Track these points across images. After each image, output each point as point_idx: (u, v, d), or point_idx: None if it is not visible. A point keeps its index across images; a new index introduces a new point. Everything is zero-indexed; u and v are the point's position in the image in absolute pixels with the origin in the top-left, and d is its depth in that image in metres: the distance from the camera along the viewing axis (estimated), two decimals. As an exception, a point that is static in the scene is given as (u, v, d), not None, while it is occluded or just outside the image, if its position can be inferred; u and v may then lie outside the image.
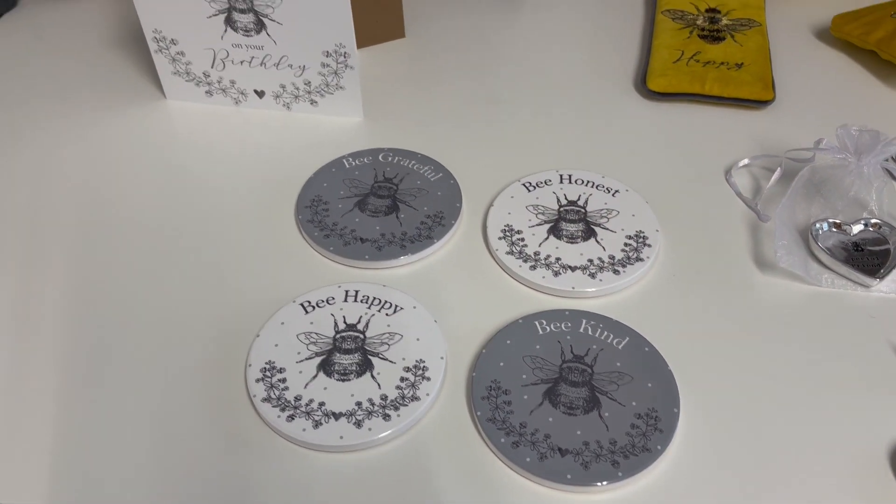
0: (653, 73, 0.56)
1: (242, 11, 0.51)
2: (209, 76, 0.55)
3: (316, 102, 0.55)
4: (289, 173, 0.51)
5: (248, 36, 0.52)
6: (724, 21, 0.61)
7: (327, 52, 0.52)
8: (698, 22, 0.61)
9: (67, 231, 0.47)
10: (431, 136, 0.53)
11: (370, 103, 0.56)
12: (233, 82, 0.55)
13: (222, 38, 0.53)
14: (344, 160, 0.51)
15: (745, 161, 0.50)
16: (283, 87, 0.55)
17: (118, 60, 0.62)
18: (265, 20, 0.51)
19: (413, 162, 0.51)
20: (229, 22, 0.52)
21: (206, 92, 0.56)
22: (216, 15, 0.52)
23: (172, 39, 0.54)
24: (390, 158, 0.51)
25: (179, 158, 0.53)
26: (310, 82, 0.54)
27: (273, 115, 0.56)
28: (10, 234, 0.47)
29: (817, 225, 0.45)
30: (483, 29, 0.64)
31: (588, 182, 0.49)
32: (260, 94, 0.55)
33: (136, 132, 0.55)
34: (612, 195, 0.48)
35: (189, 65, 0.55)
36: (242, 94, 0.56)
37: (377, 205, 0.48)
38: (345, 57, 0.52)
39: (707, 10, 0.62)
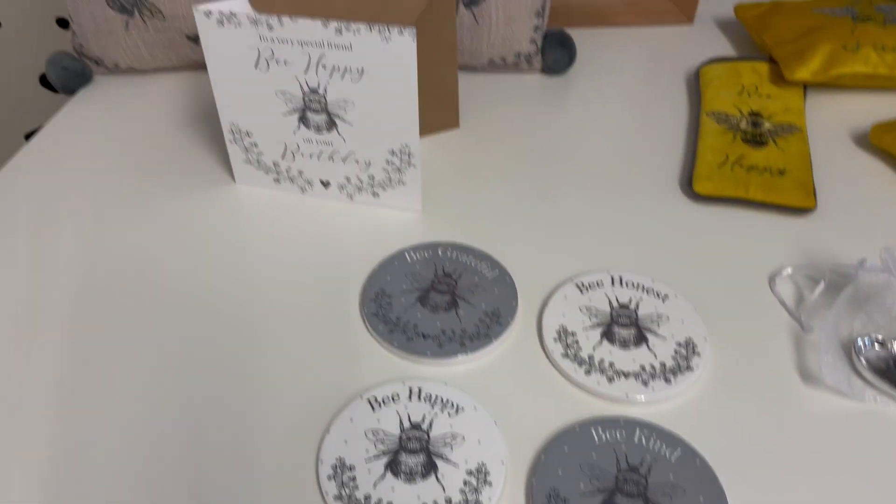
0: (699, 177, 0.59)
1: (316, 112, 0.55)
2: (278, 165, 0.59)
3: (378, 195, 0.58)
4: (352, 263, 0.54)
5: (319, 133, 0.56)
6: (767, 125, 0.63)
7: (392, 150, 0.55)
8: (741, 125, 0.63)
9: (132, 312, 0.50)
10: (487, 231, 0.56)
11: (428, 194, 0.59)
12: (300, 172, 0.59)
13: (295, 133, 0.56)
14: (406, 254, 0.54)
15: (789, 270, 0.53)
16: (347, 179, 0.58)
17: (189, 139, 0.65)
18: (337, 120, 0.55)
19: (471, 258, 0.54)
20: (303, 120, 0.55)
21: (275, 179, 0.60)
22: (291, 113, 0.55)
23: (247, 132, 0.57)
24: (449, 253, 0.54)
25: (246, 244, 0.56)
26: (373, 176, 0.57)
27: (336, 205, 0.59)
28: (76, 313, 0.50)
29: (860, 340, 0.47)
30: (533, 121, 0.67)
31: (638, 285, 0.51)
32: (325, 184, 0.59)
33: (206, 215, 0.58)
34: (662, 300, 0.50)
35: (261, 155, 0.58)
36: (309, 183, 0.59)
37: (438, 301, 0.51)
38: (409, 156, 0.55)
39: (750, 114, 0.65)
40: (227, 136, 0.59)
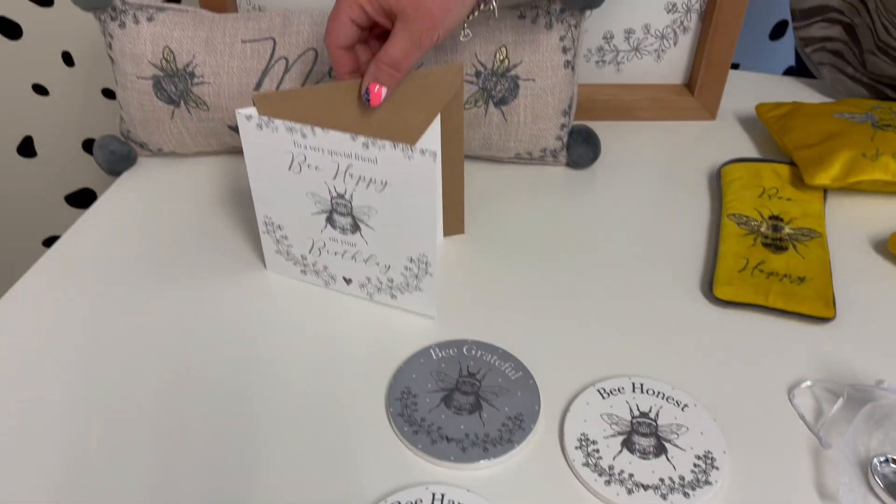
0: (719, 281, 0.60)
1: (342, 214, 0.57)
2: (306, 259, 0.61)
3: (395, 297, 0.60)
4: (378, 357, 0.55)
5: (344, 234, 0.58)
6: (787, 230, 0.65)
7: (411, 258, 0.57)
8: (762, 229, 0.65)
9: (155, 394, 0.52)
10: (510, 328, 0.58)
11: (452, 287, 0.61)
12: (325, 267, 0.61)
13: (322, 231, 0.59)
14: (431, 350, 0.56)
15: (808, 383, 0.53)
16: (368, 279, 0.60)
17: (226, 222, 0.68)
18: (361, 224, 0.57)
19: (495, 357, 0.55)
20: (330, 220, 0.58)
21: (302, 271, 0.62)
22: (319, 213, 0.58)
23: (279, 225, 0.60)
24: (474, 352, 0.56)
25: (274, 331, 0.58)
26: (392, 280, 0.59)
27: (359, 301, 0.61)
28: (100, 394, 0.52)
29: (876, 460, 0.48)
30: (556, 214, 0.69)
31: (659, 393, 0.53)
32: (348, 281, 0.61)
33: (236, 300, 0.60)
34: (682, 409, 0.51)
35: (290, 247, 0.61)
36: (332, 278, 0.61)
37: (462, 402, 0.52)
38: (426, 265, 0.57)
39: (770, 218, 0.66)
40: (261, 228, 0.61)
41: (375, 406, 0.52)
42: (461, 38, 0.61)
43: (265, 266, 0.64)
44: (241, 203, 0.70)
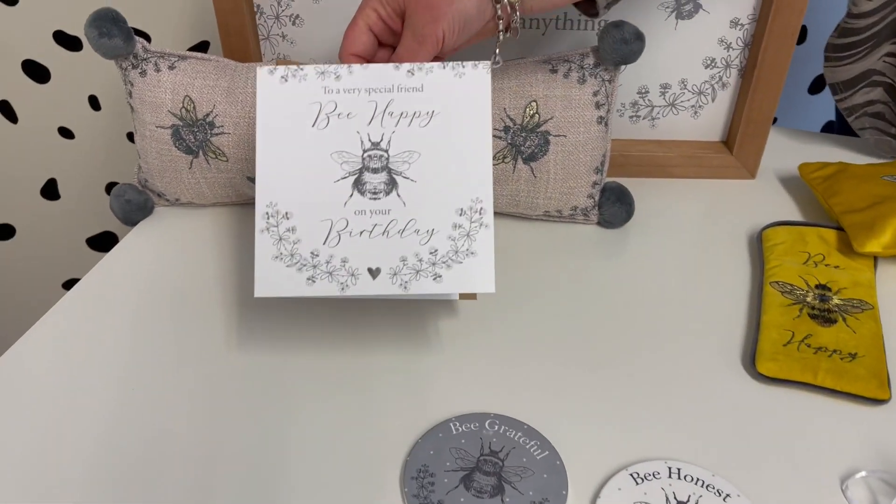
0: (762, 356, 0.56)
1: (375, 170, 0.51)
2: (317, 256, 0.51)
3: (440, 277, 0.51)
4: (394, 430, 0.52)
5: (375, 199, 0.51)
6: (835, 300, 0.61)
7: (461, 209, 0.51)
8: (808, 299, 0.61)
9: (165, 446, 0.49)
10: (536, 401, 0.54)
11: (476, 354, 0.57)
12: (344, 261, 0.51)
13: (345, 204, 0.51)
14: (451, 424, 0.52)
15: (863, 473, 0.49)
16: (403, 260, 0.51)
17: (239, 271, 0.65)
18: (398, 178, 0.51)
19: (519, 434, 0.51)
20: (357, 185, 0.51)
21: (309, 278, 0.51)
22: (345, 178, 0.52)
23: (286, 213, 0.52)
24: (497, 427, 0.52)
25: (277, 405, 0.54)
26: (436, 251, 0.51)
27: (381, 361, 0.57)
28: (118, 438, 0.49)
29: (946, 569, 0.43)
30: (587, 277, 0.65)
31: (698, 480, 0.48)
32: (374, 272, 0.51)
33: (249, 359, 0.57)
34: (724, 499, 0.47)
35: (297, 243, 0.51)
36: (353, 274, 0.51)
37: (482, 483, 0.48)
38: (480, 213, 0.51)
39: (817, 287, 0.62)
40: (260, 224, 0.51)
41: (390, 484, 0.48)
42: (492, 65, 0.56)
43: (254, 290, 0.52)
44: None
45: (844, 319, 0.59)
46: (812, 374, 0.54)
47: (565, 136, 0.66)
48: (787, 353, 0.56)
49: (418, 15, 0.52)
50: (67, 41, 0.98)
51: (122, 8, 0.95)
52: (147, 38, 0.98)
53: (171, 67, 0.66)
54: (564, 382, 0.56)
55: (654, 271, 0.66)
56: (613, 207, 0.69)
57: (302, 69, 0.51)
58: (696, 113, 0.76)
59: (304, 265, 0.51)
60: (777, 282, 0.63)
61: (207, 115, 0.66)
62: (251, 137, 0.66)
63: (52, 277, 1.19)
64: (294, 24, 0.73)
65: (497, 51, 0.57)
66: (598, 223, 0.71)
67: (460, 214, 0.51)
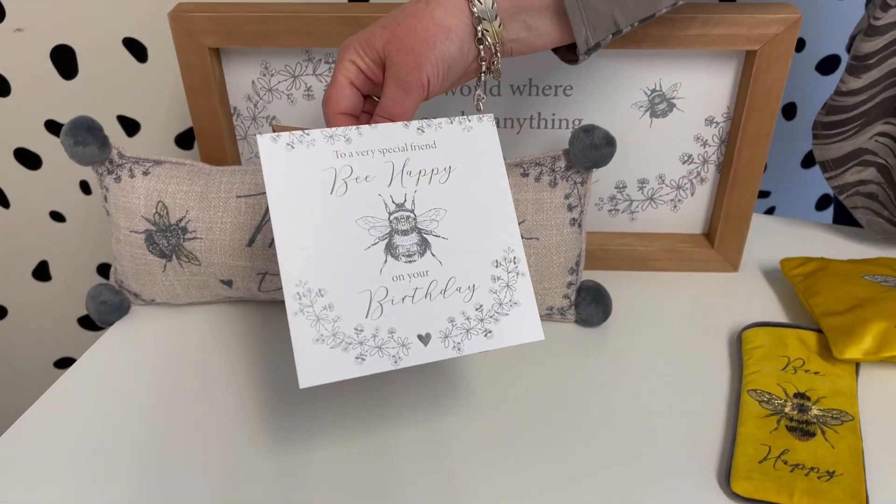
0: (737, 474, 0.54)
1: (405, 232, 0.50)
2: (362, 331, 0.48)
3: (491, 332, 0.50)
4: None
5: (411, 261, 0.49)
6: (815, 411, 0.59)
7: (496, 261, 0.50)
8: (786, 410, 0.59)
9: None
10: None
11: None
12: (392, 332, 0.48)
13: (381, 271, 0.49)
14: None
15: None
16: (451, 321, 0.49)
17: (216, 371, 0.64)
18: (429, 237, 0.50)
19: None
20: (390, 249, 0.49)
21: (358, 357, 0.48)
22: (376, 244, 0.49)
23: (320, 290, 0.48)
24: (459, 556, 0.50)
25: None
26: (481, 306, 0.50)
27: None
28: None
29: None
30: (561, 377, 0.64)
31: None
32: (425, 339, 0.49)
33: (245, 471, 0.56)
34: None
35: (338, 321, 0.48)
36: (404, 345, 0.48)
37: None
38: (515, 263, 0.50)
39: (796, 395, 0.60)
40: (293, 307, 0.47)
41: None
42: (476, 102, 0.55)
43: (298, 380, 0.47)
44: (233, 349, 0.67)
45: (823, 433, 0.57)
46: (788, 494, 0.52)
47: (537, 238, 0.65)
48: (763, 470, 0.54)
49: (400, 63, 0.51)
50: (58, 129, 1.00)
51: (112, 97, 0.97)
52: (137, 126, 0.99)
53: (146, 173, 0.67)
54: (532, 494, 0.54)
55: (632, 373, 0.65)
56: (590, 308, 0.68)
57: (308, 134, 0.49)
58: (675, 207, 0.76)
59: (350, 343, 0.48)
60: (755, 390, 0.61)
61: (180, 220, 0.66)
62: (223, 242, 0.66)
63: (44, 356, 1.19)
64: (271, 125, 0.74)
65: (480, 91, 0.56)
66: (576, 322, 0.70)
67: (496, 266, 0.50)
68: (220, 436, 0.60)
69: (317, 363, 0.47)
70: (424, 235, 0.50)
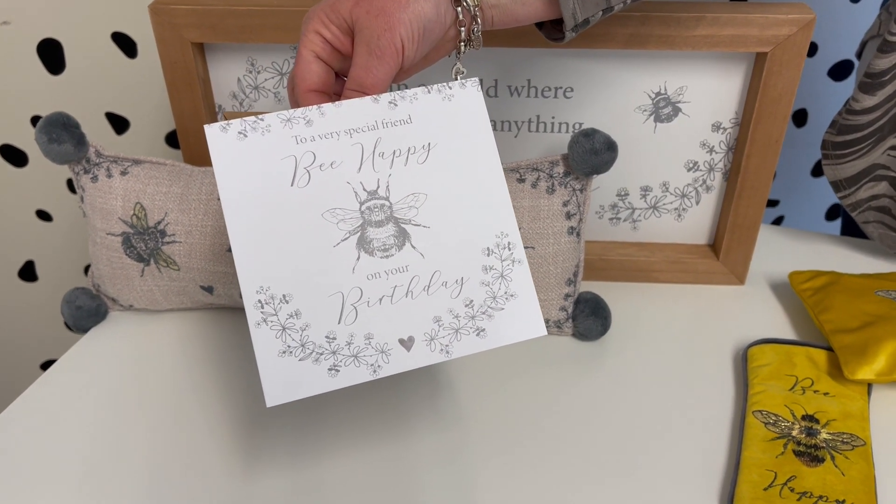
0: (741, 501, 0.51)
1: (379, 224, 0.44)
2: (334, 339, 0.43)
3: (484, 331, 0.44)
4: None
5: (387, 256, 0.44)
6: (824, 434, 0.56)
7: (488, 249, 0.45)
8: (793, 433, 0.56)
9: None
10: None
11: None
12: (369, 338, 0.44)
13: (354, 270, 0.44)
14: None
15: None
16: (437, 321, 0.44)
17: (195, 380, 0.61)
18: (408, 227, 0.45)
19: None
20: (363, 244, 0.44)
21: (331, 368, 0.43)
22: (346, 239, 0.44)
23: (284, 296, 0.43)
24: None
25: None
26: (472, 301, 0.44)
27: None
28: None
29: None
30: (557, 393, 0.61)
31: None
32: (407, 343, 0.44)
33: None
34: None
35: (306, 329, 0.43)
36: (384, 352, 0.44)
37: None
38: (510, 249, 0.45)
39: (804, 418, 0.57)
40: (254, 317, 0.42)
41: None
42: (455, 75, 0.50)
43: (264, 399, 0.42)
44: (216, 357, 0.64)
45: (833, 458, 0.54)
46: (794, 527, 0.49)
47: (533, 247, 0.62)
48: (769, 498, 0.51)
49: (371, 26, 0.45)
50: (46, 126, 0.97)
51: (101, 93, 0.94)
52: (126, 123, 0.97)
53: (124, 173, 0.64)
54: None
55: (632, 391, 0.62)
56: (588, 321, 0.65)
57: (262, 119, 0.44)
58: (679, 216, 0.72)
59: (322, 353, 0.43)
60: (760, 411, 0.58)
61: (159, 222, 0.63)
62: (203, 246, 0.63)
63: (30, 358, 1.16)
64: (260, 121, 0.71)
65: (459, 64, 0.50)
66: (573, 335, 0.67)
67: (488, 254, 0.45)
68: (207, 451, 0.57)
69: (285, 378, 0.42)
70: (402, 225, 0.45)
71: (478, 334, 0.45)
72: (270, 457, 0.56)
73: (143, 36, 0.91)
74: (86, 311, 0.68)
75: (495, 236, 0.45)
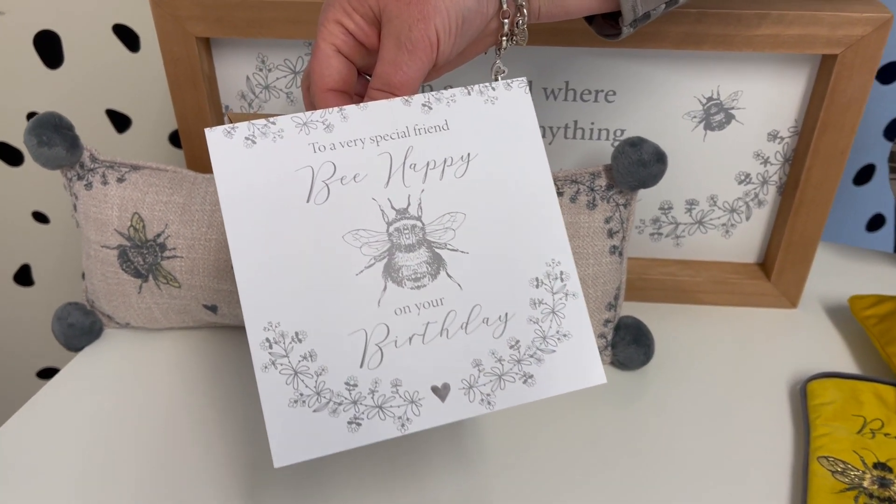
0: (811, 567, 0.45)
1: (410, 249, 0.38)
2: (356, 386, 0.37)
3: (532, 377, 0.38)
4: None
5: (419, 287, 0.38)
6: (899, 487, 0.50)
7: (536, 279, 0.39)
8: (864, 483, 0.50)
9: None
10: None
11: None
12: (396, 384, 0.38)
13: (380, 303, 0.38)
14: None
15: None
16: (477, 364, 0.38)
17: (194, 406, 0.56)
18: (443, 252, 0.39)
19: None
20: (390, 272, 0.38)
21: (351, 422, 0.37)
22: (371, 266, 0.38)
23: (297, 334, 0.37)
24: None
25: None
26: (518, 342, 0.38)
27: None
28: None
29: None
30: (594, 428, 0.55)
31: None
32: (441, 391, 0.38)
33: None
34: None
35: (323, 374, 0.37)
36: (413, 402, 0.38)
37: None
38: (562, 280, 0.39)
39: (875, 466, 0.51)
40: (261, 359, 0.36)
41: None
42: (495, 75, 0.43)
43: (272, 458, 0.36)
44: (218, 382, 0.58)
45: (911, 515, 0.48)
46: None
47: (572, 269, 0.56)
48: (842, 564, 0.45)
49: (401, 15, 0.39)
50: (43, 123, 0.91)
51: (101, 89, 0.88)
52: (128, 121, 0.91)
53: (121, 180, 0.58)
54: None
55: (676, 429, 0.56)
56: (629, 349, 0.59)
57: (274, 122, 0.38)
58: (727, 232, 0.66)
59: (341, 403, 0.37)
60: (826, 457, 0.52)
61: (158, 235, 0.57)
62: (206, 262, 0.57)
63: (27, 367, 1.11)
64: (270, 123, 0.65)
65: (499, 62, 0.44)
66: (612, 363, 0.61)
67: (537, 286, 0.39)
68: (205, 492, 0.51)
69: (296, 433, 0.36)
70: (437, 250, 0.39)
71: (525, 381, 0.39)
72: (273, 499, 0.50)
73: (147, 29, 0.85)
74: (78, 329, 0.62)
75: (545, 264, 0.39)
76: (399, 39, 0.39)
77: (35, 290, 1.05)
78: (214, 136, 0.38)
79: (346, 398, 0.37)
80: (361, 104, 0.40)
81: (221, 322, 0.62)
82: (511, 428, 0.55)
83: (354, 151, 0.39)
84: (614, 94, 0.60)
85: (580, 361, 0.39)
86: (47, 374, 1.11)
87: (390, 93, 0.40)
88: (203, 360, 0.62)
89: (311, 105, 0.43)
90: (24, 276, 1.04)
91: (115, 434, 0.55)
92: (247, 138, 0.38)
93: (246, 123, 0.39)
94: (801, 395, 0.57)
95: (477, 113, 0.40)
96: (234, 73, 0.62)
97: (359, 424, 0.37)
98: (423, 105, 0.40)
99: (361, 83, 0.44)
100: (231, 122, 0.39)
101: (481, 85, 0.41)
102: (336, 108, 0.39)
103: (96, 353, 0.63)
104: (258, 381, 0.37)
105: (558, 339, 0.39)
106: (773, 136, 0.61)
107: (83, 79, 0.88)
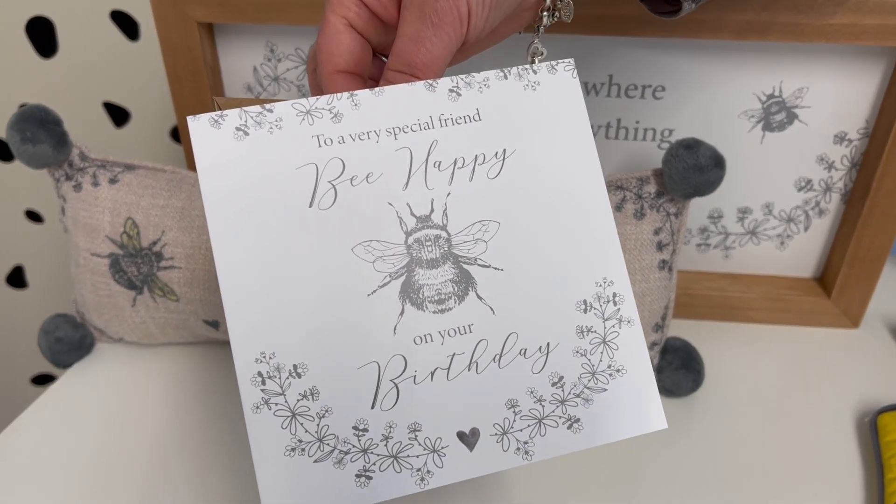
0: None
1: (433, 264, 0.32)
2: (365, 431, 0.31)
3: (578, 421, 0.32)
4: None
5: (443, 311, 0.32)
6: None
7: (584, 303, 0.33)
8: (955, 537, 0.44)
9: None
10: None
11: None
12: (415, 429, 0.32)
13: (396, 329, 0.32)
14: None
15: None
16: (512, 406, 0.32)
17: (193, 431, 0.50)
18: (472, 269, 0.32)
19: None
20: (408, 293, 0.32)
21: (360, 475, 0.31)
22: (386, 284, 0.32)
23: (295, 367, 0.31)
24: None
25: None
26: (562, 379, 0.32)
27: None
28: None
29: None
30: (637, 459, 0.49)
31: None
32: (470, 438, 0.32)
33: None
34: None
35: (326, 416, 0.31)
36: (436, 451, 0.32)
37: None
38: (615, 303, 0.33)
39: (965, 516, 0.45)
40: (251, 397, 0.30)
41: None
42: (532, 58, 0.37)
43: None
44: (221, 401, 0.53)
45: None
46: None
47: (617, 285, 0.50)
48: None
49: None
50: (36, 116, 0.85)
51: (98, 80, 0.83)
52: (126, 115, 0.85)
53: (113, 181, 0.52)
54: None
55: (727, 465, 0.50)
56: (677, 375, 0.53)
57: (271, 110, 0.32)
58: (782, 244, 0.60)
59: (348, 452, 0.31)
60: (907, 493, 0.46)
61: (154, 243, 0.51)
62: (207, 274, 0.51)
63: (20, 372, 1.06)
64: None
65: (537, 42, 0.37)
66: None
67: (585, 311, 0.33)
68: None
69: (294, 488, 0.30)
70: (465, 266, 0.33)
71: (570, 426, 0.32)
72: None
73: (146, 15, 0.79)
74: (67, 344, 0.56)
75: (595, 284, 0.33)
76: (423, 11, 0.33)
77: (28, 292, 0.99)
78: (198, 126, 0.32)
79: (354, 446, 0.31)
80: (376, 89, 0.33)
81: (223, 338, 0.56)
82: (541, 467, 0.49)
83: (367, 146, 0.32)
84: (663, 89, 0.54)
85: (637, 402, 0.33)
86: (42, 380, 1.05)
87: (411, 75, 0.34)
88: (203, 378, 0.56)
89: (317, 89, 0.36)
90: (17, 278, 0.98)
91: (104, 461, 0.49)
92: (237, 128, 0.32)
93: (237, 110, 0.32)
94: (871, 430, 0.51)
95: (514, 101, 0.33)
96: (240, 62, 0.56)
97: (369, 478, 0.31)
98: (451, 90, 0.33)
99: (377, 65, 0.38)
100: (220, 110, 0.33)
101: (520, 67, 0.34)
102: (346, 94, 0.33)
103: (87, 371, 0.57)
104: (248, 424, 0.30)
105: (610, 374, 0.33)
106: (839, 139, 0.55)
107: (79, 69, 0.83)
